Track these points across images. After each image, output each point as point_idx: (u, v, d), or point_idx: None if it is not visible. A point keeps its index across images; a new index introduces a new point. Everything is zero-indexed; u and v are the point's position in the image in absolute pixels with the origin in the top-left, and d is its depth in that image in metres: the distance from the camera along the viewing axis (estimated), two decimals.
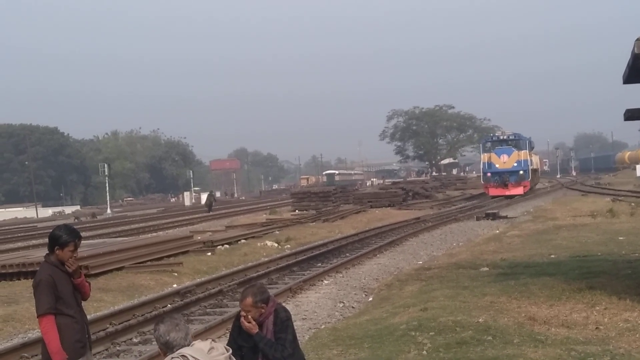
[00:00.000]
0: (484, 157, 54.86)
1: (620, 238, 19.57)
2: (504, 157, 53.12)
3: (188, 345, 4.90)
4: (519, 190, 52.68)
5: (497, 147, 54.55)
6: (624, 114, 10.99)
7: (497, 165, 53.17)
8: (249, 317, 6.17)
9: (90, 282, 6.64)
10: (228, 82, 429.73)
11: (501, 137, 56.46)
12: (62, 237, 6.11)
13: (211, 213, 54.69)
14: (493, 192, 53.12)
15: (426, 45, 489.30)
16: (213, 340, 5.18)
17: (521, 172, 52.65)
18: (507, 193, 52.01)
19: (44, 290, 5.99)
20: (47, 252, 6.23)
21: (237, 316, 6.61)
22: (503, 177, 52.49)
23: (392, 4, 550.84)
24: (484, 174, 54.87)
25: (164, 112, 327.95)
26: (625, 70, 10.92)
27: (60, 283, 6.05)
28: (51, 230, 6.29)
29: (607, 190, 53.34)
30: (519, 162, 52.89)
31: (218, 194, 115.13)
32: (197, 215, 52.61)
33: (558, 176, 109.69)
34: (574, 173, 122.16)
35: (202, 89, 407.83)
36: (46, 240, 6.48)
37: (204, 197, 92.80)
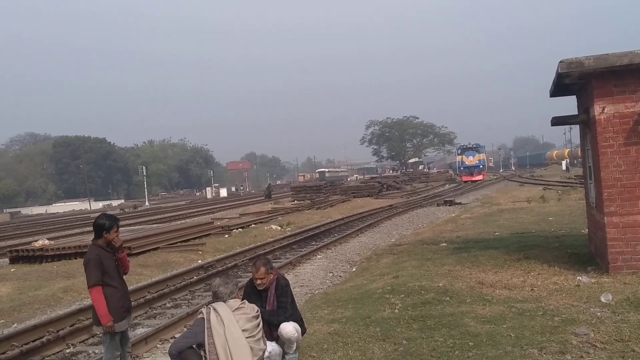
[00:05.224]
0: (458, 157, 71.65)
1: (550, 218, 19.63)
2: (470, 158, 68.82)
3: (229, 299, 5.39)
4: (480, 177, 67.61)
5: (466, 151, 70.03)
6: (551, 121, 11.01)
7: (466, 163, 69.10)
8: (262, 282, 6.26)
9: (129, 260, 6.62)
10: (243, 108, 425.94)
11: (468, 146, 71.64)
12: (107, 224, 6.14)
13: (271, 198, 56.65)
14: (465, 178, 67.25)
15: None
16: (245, 301, 5.49)
17: (481, 166, 69.03)
18: (473, 179, 65.98)
19: (93, 267, 5.99)
20: (95, 237, 6.22)
21: (247, 284, 6.63)
22: (470, 170, 68.34)
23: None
24: (458, 167, 71.93)
25: (190, 124, 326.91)
26: (552, 86, 10.94)
27: (105, 261, 6.05)
28: (94, 220, 6.28)
29: (540, 181, 53.59)
30: (479, 160, 68.84)
31: (234, 189, 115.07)
32: (217, 206, 52.56)
33: (501, 171, 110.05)
34: (513, 168, 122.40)
35: (221, 112, 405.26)
36: None
37: (222, 191, 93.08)
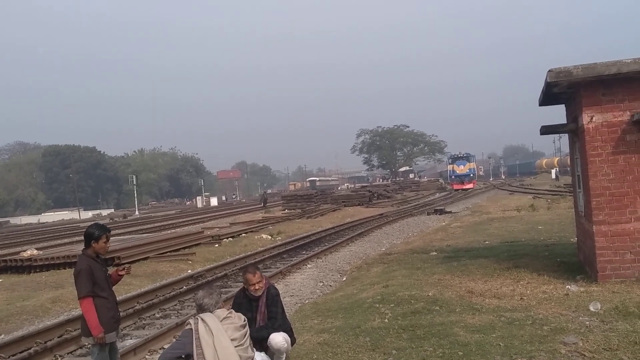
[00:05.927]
0: (449, 167, 73.81)
1: (539, 227, 19.70)
2: (461, 167, 71.31)
3: (215, 309, 5.37)
4: (471, 185, 69.70)
5: (457, 160, 72.48)
6: (540, 130, 11.08)
7: (457, 171, 71.39)
8: (259, 286, 6.29)
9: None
10: (233, 116, 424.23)
11: (459, 155, 73.95)
12: (96, 233, 6.08)
13: (266, 206, 57.34)
14: (456, 187, 69.15)
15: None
16: (232, 310, 5.47)
17: (471, 175, 71.86)
18: (464, 187, 67.79)
19: (83, 277, 5.94)
20: (84, 247, 6.17)
21: (237, 294, 6.61)
22: (461, 178, 70.59)
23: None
24: (450, 176, 73.58)
25: (181, 132, 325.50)
26: (540, 95, 11.02)
27: (95, 271, 6.00)
28: (85, 229, 6.24)
29: (529, 189, 53.81)
30: (470, 169, 71.58)
31: (224, 198, 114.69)
32: (207, 215, 52.33)
33: (491, 179, 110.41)
34: (503, 177, 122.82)
35: (211, 120, 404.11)
36: None
37: (213, 200, 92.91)
